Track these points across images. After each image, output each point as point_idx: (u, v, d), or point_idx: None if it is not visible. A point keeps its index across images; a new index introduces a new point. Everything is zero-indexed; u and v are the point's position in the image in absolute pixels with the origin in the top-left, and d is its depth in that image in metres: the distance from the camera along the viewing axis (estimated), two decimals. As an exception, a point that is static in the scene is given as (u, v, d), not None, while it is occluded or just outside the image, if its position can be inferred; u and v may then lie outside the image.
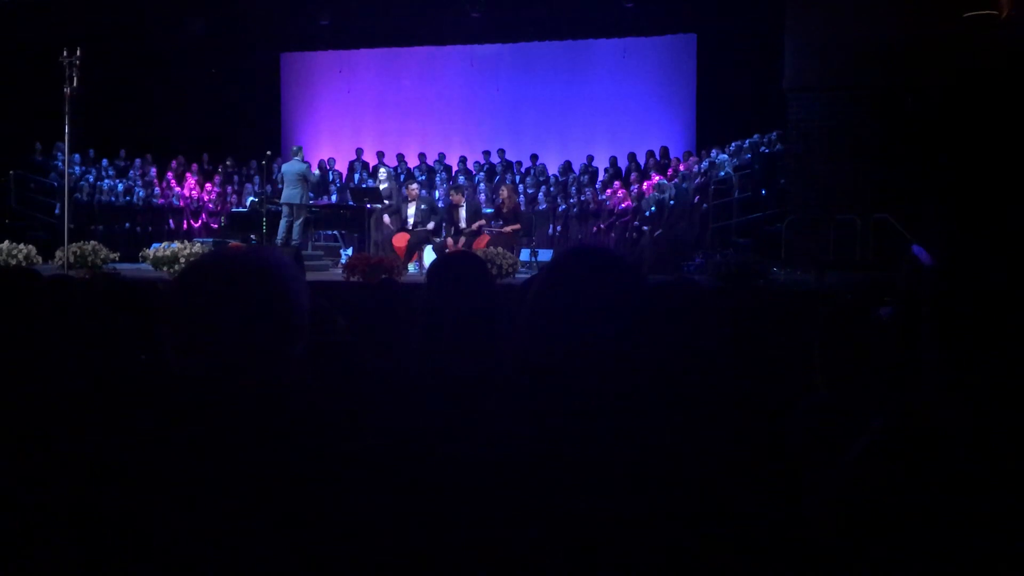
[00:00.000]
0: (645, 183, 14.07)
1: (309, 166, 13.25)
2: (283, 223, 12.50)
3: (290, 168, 12.50)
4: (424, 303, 2.43)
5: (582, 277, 1.36)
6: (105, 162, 15.59)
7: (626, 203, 14.11)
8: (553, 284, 1.39)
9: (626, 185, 14.67)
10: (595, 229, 14.43)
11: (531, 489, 1.26)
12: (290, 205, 12.44)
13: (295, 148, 13.03)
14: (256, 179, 16.07)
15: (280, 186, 12.91)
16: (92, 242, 10.94)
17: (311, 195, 14.85)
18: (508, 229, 11.83)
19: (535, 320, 1.37)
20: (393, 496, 1.34)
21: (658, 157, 15.56)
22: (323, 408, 1.56)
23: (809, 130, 11.71)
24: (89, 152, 15.37)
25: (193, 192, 15.75)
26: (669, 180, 13.59)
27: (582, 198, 14.70)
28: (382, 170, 14.31)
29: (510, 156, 16.59)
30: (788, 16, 11.93)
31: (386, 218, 12.61)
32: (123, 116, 16.01)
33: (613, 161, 15.80)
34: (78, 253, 10.43)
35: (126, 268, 10.63)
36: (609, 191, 14.56)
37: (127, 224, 14.91)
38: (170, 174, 16.09)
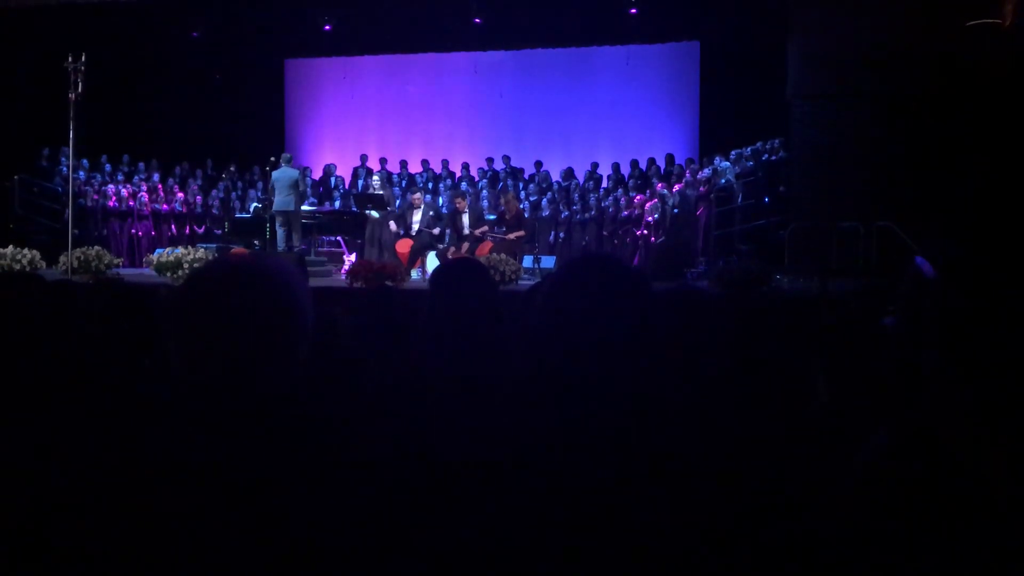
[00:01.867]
0: (667, 186, 13.97)
1: (301, 173, 13.11)
2: (280, 232, 12.38)
3: (281, 175, 12.30)
4: (427, 309, 2.43)
5: (589, 285, 1.36)
6: (109, 167, 15.63)
7: (629, 211, 14.10)
8: (560, 292, 1.39)
9: (627, 192, 14.68)
10: (592, 236, 14.44)
11: (535, 495, 1.26)
12: (283, 213, 12.30)
13: (286, 156, 12.85)
14: (260, 185, 16.11)
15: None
16: (96, 247, 10.95)
17: (313, 200, 14.85)
18: (512, 236, 11.81)
19: (542, 327, 1.37)
20: (397, 502, 1.34)
21: (662, 164, 15.58)
22: (327, 414, 1.57)
23: (812, 137, 11.71)
24: (102, 157, 15.42)
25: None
26: (671, 187, 13.60)
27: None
28: (375, 176, 14.31)
29: (513, 163, 16.61)
30: (791, 24, 11.96)
31: (392, 224, 12.61)
32: (127, 122, 16.05)
33: (616, 168, 15.81)
34: (82, 258, 10.45)
35: (129, 273, 10.65)
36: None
37: (131, 230, 14.95)
38: (172, 180, 16.14)
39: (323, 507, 1.33)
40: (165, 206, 15.55)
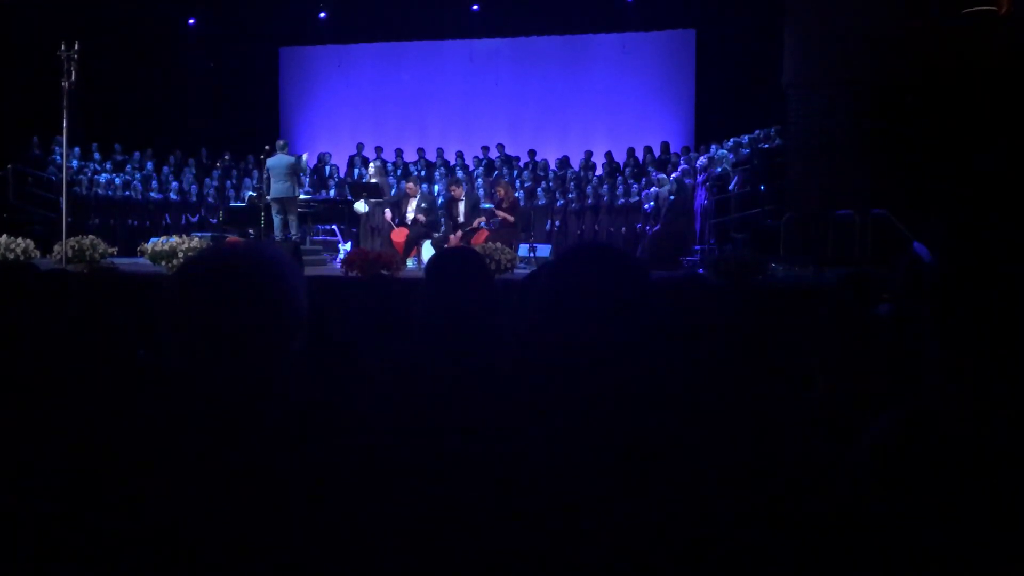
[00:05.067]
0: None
1: (299, 157, 12.97)
2: (277, 219, 12.27)
3: (277, 163, 12.09)
4: (423, 299, 2.43)
5: (587, 273, 1.36)
6: (99, 156, 15.57)
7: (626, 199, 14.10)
8: (558, 280, 1.38)
9: (625, 180, 14.67)
10: (588, 225, 14.45)
11: (533, 487, 1.26)
12: (280, 200, 12.23)
13: (281, 143, 12.66)
14: (254, 173, 16.06)
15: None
16: (90, 236, 10.91)
17: (309, 190, 14.79)
18: (501, 215, 11.76)
19: (540, 316, 1.36)
20: (392, 494, 1.34)
21: (657, 152, 15.58)
22: (322, 404, 1.56)
23: (808, 126, 11.70)
24: (92, 146, 15.36)
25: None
26: (668, 175, 13.61)
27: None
28: (371, 164, 14.25)
29: (509, 151, 16.59)
30: (787, 12, 11.93)
31: (387, 213, 12.58)
32: (121, 110, 15.99)
33: (609, 156, 15.81)
34: (76, 247, 10.41)
35: (124, 262, 10.62)
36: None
37: (127, 219, 14.92)
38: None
39: (318, 499, 1.33)
40: (159, 195, 15.51)
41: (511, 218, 11.82)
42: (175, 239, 10.46)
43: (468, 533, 1.25)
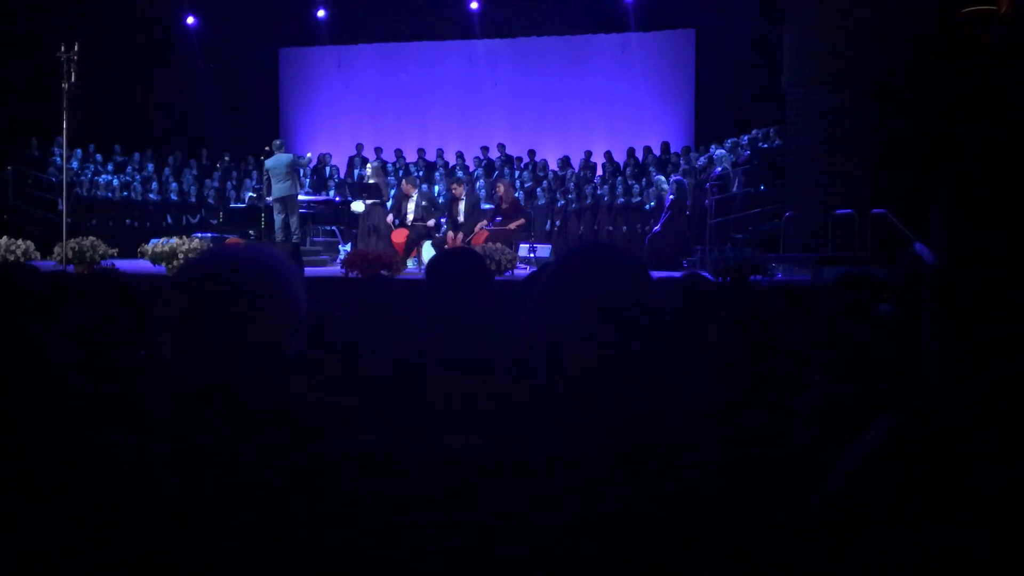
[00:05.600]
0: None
1: (297, 156, 12.93)
2: (278, 219, 12.22)
3: (276, 162, 12.03)
4: (423, 299, 2.43)
5: (588, 274, 1.35)
6: (99, 157, 15.57)
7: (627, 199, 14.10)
8: (558, 281, 1.38)
9: (625, 180, 14.67)
10: (588, 225, 14.47)
11: (534, 487, 1.26)
12: (282, 200, 12.10)
13: (278, 143, 12.53)
14: (254, 174, 16.06)
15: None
16: (91, 237, 10.91)
17: (309, 191, 14.78)
18: (513, 226, 11.78)
19: (540, 317, 1.36)
20: (392, 494, 1.34)
21: (657, 152, 15.58)
22: (321, 404, 1.56)
23: (808, 125, 11.70)
24: (90, 147, 15.36)
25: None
26: (667, 175, 13.61)
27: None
28: (369, 165, 14.26)
29: (509, 151, 16.59)
30: (787, 11, 11.94)
31: (389, 218, 12.57)
32: (121, 111, 15.98)
33: (609, 156, 15.81)
34: (77, 249, 10.41)
35: (124, 264, 10.62)
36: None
37: (127, 220, 14.91)
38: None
39: (318, 498, 1.33)
40: (159, 196, 15.51)
41: (521, 222, 11.86)
42: (175, 240, 10.45)
43: (468, 532, 1.25)
